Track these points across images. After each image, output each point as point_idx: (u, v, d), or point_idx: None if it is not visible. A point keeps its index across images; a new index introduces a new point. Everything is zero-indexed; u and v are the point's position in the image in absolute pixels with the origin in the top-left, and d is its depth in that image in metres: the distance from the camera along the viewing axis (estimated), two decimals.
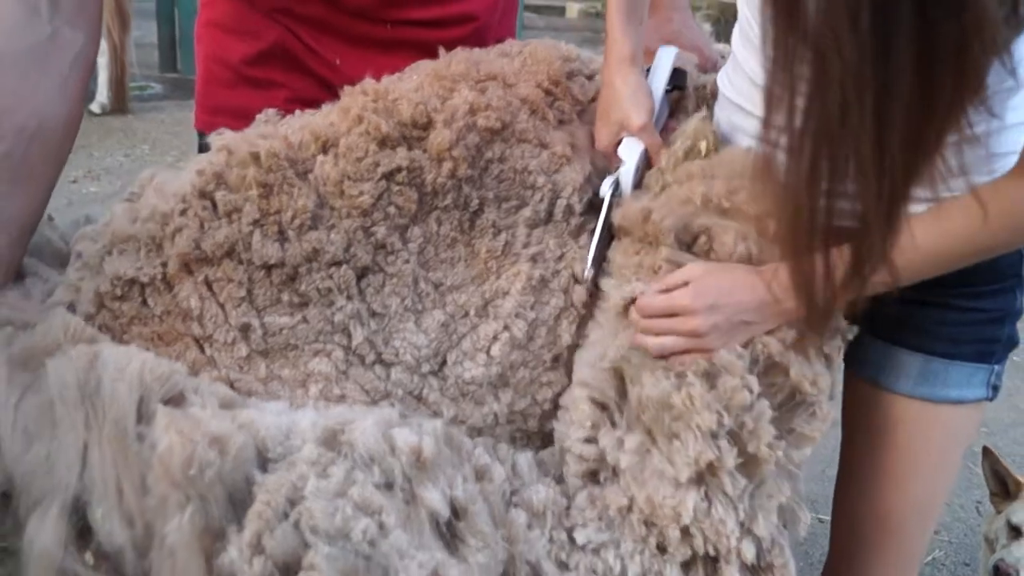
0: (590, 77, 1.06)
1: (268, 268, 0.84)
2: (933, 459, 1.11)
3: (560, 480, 0.96)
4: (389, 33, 1.16)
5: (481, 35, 1.22)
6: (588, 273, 0.97)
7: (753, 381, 0.90)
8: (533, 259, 0.95)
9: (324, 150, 0.90)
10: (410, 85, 0.95)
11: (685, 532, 0.90)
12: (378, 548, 0.73)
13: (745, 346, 0.92)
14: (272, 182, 0.86)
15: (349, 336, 0.88)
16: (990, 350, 1.06)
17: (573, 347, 0.99)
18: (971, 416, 1.10)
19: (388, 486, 0.78)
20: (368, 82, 0.96)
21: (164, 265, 0.83)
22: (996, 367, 1.07)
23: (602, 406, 0.95)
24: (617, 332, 0.96)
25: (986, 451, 1.84)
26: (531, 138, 0.96)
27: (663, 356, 0.92)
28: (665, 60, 1.05)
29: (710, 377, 0.90)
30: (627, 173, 0.97)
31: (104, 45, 4.93)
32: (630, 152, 0.98)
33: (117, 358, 0.72)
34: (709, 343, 0.91)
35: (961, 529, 2.39)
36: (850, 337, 0.98)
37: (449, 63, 0.99)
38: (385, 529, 0.75)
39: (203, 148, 1.04)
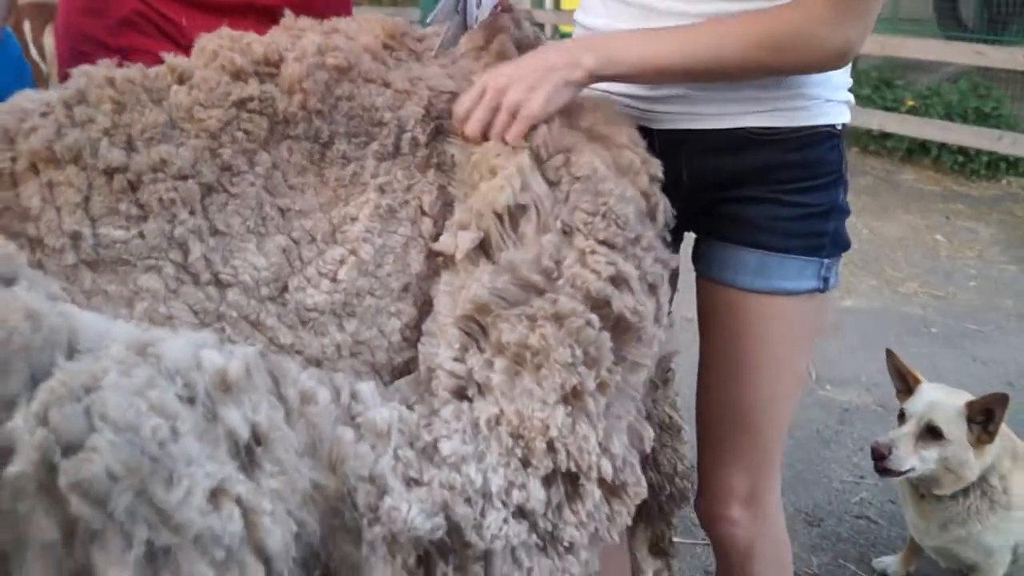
0: (420, 39, 1.14)
1: (110, 174, 0.88)
2: (775, 349, 1.23)
3: (413, 406, 0.99)
4: None
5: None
6: (435, 51, 1.07)
7: (594, 318, 0.96)
8: (381, 189, 1.00)
9: (180, 81, 0.96)
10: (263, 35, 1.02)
11: (550, 446, 0.94)
12: (166, 450, 0.73)
13: (583, 294, 0.98)
14: (126, 101, 0.91)
15: (185, 252, 0.91)
16: (819, 243, 1.20)
17: (422, 276, 1.03)
18: (806, 308, 1.23)
19: (190, 400, 0.80)
20: (224, 29, 1.02)
21: (13, 160, 0.87)
22: (826, 260, 1.21)
23: (470, 335, 1.00)
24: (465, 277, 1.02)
25: (889, 353, 2.08)
26: (375, 78, 1.02)
27: (484, 137, 1.02)
28: None
29: (558, 319, 0.95)
30: None
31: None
32: None
33: None
34: (515, 95, 1.01)
35: None
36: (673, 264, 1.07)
37: (295, 20, 1.07)
38: (177, 435, 0.76)
39: None
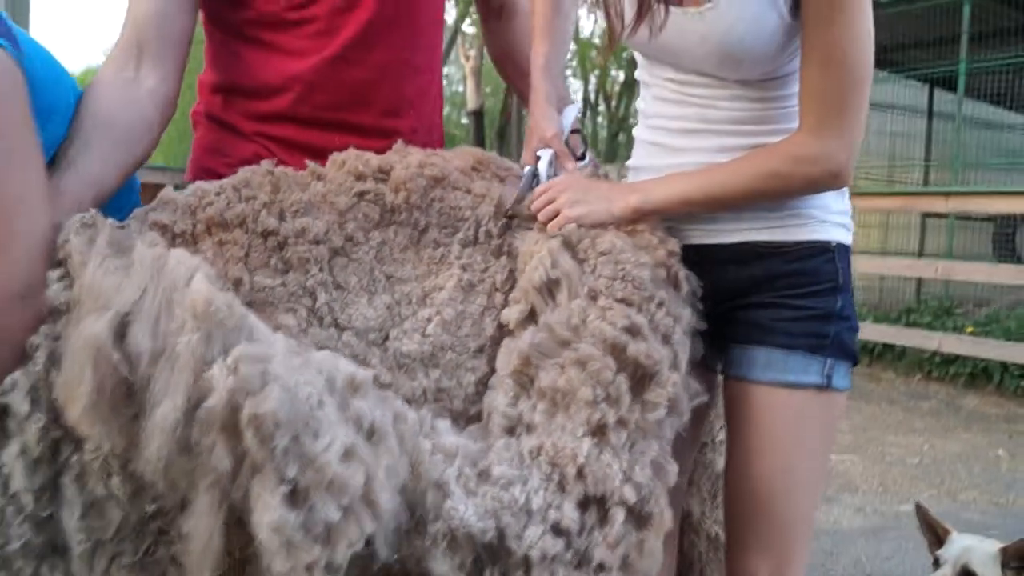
0: (506, 169, 1.45)
1: (265, 236, 1.16)
2: (785, 437, 1.37)
3: (476, 442, 1.19)
4: (338, 144, 1.46)
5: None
6: (508, 206, 1.35)
7: (611, 361, 1.16)
8: (463, 267, 1.27)
9: (318, 179, 1.27)
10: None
11: (580, 473, 1.11)
12: (314, 413, 0.95)
13: (603, 343, 1.18)
14: (280, 185, 1.21)
15: (314, 299, 1.17)
16: (821, 344, 1.36)
17: (495, 341, 1.27)
18: (813, 402, 1.37)
19: (330, 390, 1.03)
20: (351, 149, 1.35)
21: (194, 226, 1.15)
22: (829, 360, 1.37)
23: (521, 386, 1.22)
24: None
25: (918, 507, 2.21)
26: (461, 187, 1.33)
27: (546, 221, 1.33)
28: (569, 114, 1.52)
29: (580, 363, 1.16)
30: (543, 163, 1.41)
31: None
32: (545, 153, 1.43)
33: (183, 255, 1.00)
34: (566, 200, 1.31)
35: None
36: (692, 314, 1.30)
37: (404, 147, 1.39)
38: (323, 404, 0.97)
39: None
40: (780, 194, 1.35)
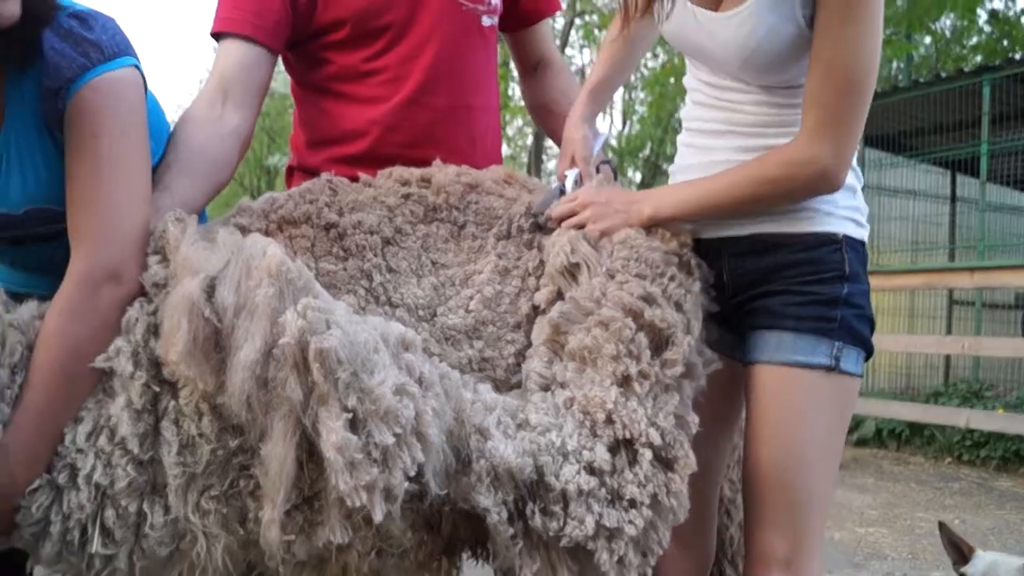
0: (533, 184, 1.63)
1: (327, 229, 1.35)
2: (796, 416, 1.42)
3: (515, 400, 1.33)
4: None
5: None
6: (535, 210, 1.51)
7: (630, 322, 1.31)
8: (499, 255, 1.44)
9: (369, 186, 1.47)
10: None
11: (609, 418, 1.24)
12: (371, 356, 1.12)
13: (622, 308, 1.32)
14: (338, 189, 1.41)
15: (371, 281, 1.35)
16: (828, 327, 1.42)
17: (530, 319, 1.42)
18: (822, 383, 1.42)
19: (385, 343, 1.19)
20: (397, 165, 1.55)
21: (267, 225, 1.35)
22: (837, 343, 1.42)
23: (553, 351, 1.36)
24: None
25: (941, 525, 2.23)
26: (494, 191, 1.51)
27: (580, 226, 1.47)
28: (599, 141, 1.69)
29: (603, 324, 1.31)
30: (569, 181, 1.58)
31: None
32: (571, 173, 1.59)
33: (259, 236, 1.20)
34: (589, 215, 1.45)
35: None
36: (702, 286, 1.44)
37: (442, 164, 1.59)
38: (378, 350, 1.14)
39: None
40: (777, 198, 1.43)
